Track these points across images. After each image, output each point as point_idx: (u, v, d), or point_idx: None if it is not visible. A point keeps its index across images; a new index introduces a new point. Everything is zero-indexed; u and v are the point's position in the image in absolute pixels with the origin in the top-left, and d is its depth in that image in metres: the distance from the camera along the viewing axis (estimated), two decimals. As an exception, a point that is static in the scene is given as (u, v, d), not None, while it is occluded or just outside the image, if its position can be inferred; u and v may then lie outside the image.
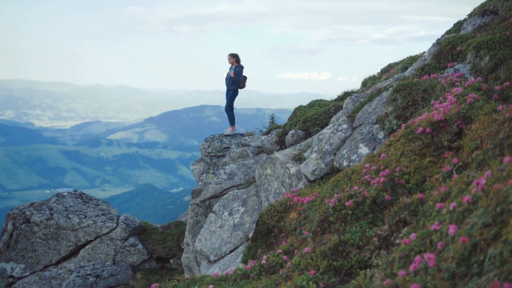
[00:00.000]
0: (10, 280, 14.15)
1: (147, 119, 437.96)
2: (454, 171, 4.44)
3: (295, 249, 5.17)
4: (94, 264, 13.52)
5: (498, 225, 2.81)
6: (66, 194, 15.27)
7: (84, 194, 15.50)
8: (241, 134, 15.35)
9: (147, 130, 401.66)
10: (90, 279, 12.87)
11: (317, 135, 8.20)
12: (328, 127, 8.15)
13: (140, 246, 13.91)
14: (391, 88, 7.29)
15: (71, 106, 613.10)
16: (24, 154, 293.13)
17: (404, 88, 6.92)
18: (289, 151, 8.81)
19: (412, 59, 10.48)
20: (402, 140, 5.33)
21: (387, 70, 11.78)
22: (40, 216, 13.88)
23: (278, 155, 8.66)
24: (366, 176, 5.20)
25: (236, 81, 14.73)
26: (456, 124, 5.08)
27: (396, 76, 8.95)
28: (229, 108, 15.41)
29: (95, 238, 13.90)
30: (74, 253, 14.15)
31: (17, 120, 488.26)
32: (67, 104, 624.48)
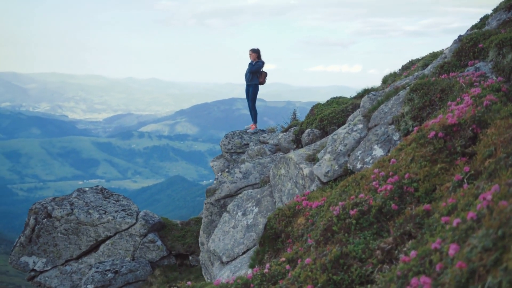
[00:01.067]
0: (32, 273, 14.30)
1: (178, 112, 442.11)
2: (465, 180, 4.14)
3: (299, 257, 4.95)
4: (113, 260, 13.54)
5: (499, 250, 2.55)
6: (87, 189, 15.33)
7: (105, 189, 15.54)
8: (262, 130, 15.12)
9: (178, 123, 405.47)
10: (109, 275, 12.90)
11: (331, 135, 7.92)
12: (343, 127, 7.88)
13: (159, 243, 13.87)
14: (408, 87, 6.98)
15: (104, 99, 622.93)
16: (58, 146, 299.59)
17: (421, 87, 6.59)
18: (303, 151, 8.56)
19: (434, 56, 10.06)
20: (413, 145, 5.04)
21: (408, 67, 11.36)
22: (61, 211, 13.97)
23: (292, 155, 8.42)
24: (374, 183, 4.93)
25: (255, 74, 14.52)
26: (470, 128, 4.77)
27: (416, 73, 8.58)
28: (253, 105, 15.22)
29: (115, 234, 13.91)
30: (94, 248, 14.21)
31: (51, 112, 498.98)
32: (99, 96, 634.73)
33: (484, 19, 9.41)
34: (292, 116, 15.35)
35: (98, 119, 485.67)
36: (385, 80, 11.22)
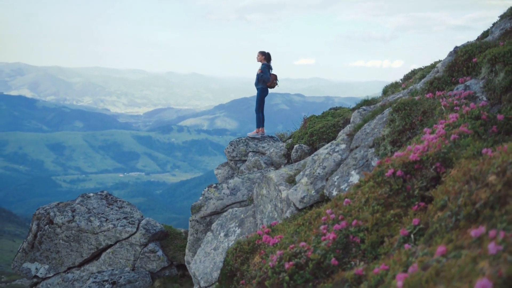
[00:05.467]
0: (35, 280, 14.14)
1: (217, 106, 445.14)
2: (411, 237, 3.48)
3: (238, 309, 4.37)
4: (113, 270, 13.20)
5: None
6: (91, 194, 15.05)
7: (110, 195, 15.22)
8: (271, 137, 14.38)
9: (217, 117, 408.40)
10: (106, 286, 12.54)
11: (312, 155, 7.24)
12: (325, 146, 7.18)
13: (160, 253, 13.44)
14: (391, 107, 6.26)
15: (145, 93, 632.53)
16: (100, 139, 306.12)
17: (403, 107, 5.87)
18: (285, 170, 7.89)
19: (434, 67, 9.17)
20: (370, 183, 4.36)
21: (410, 77, 10.46)
22: (62, 218, 13.72)
23: (273, 174, 7.77)
24: (322, 227, 4.28)
25: (262, 78, 13.88)
26: (434, 167, 4.07)
27: (410, 87, 7.77)
28: (258, 109, 14.49)
29: (115, 243, 13.57)
30: (96, 256, 13.93)
31: (94, 106, 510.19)
32: (140, 91, 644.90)
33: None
34: (302, 122, 14.41)
35: (138, 113, 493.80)
36: (386, 91, 10.35)
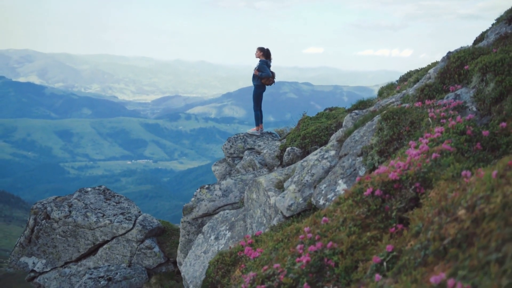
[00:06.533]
0: (32, 274, 14.15)
1: (225, 95, 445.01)
2: (384, 265, 3.35)
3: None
4: (109, 266, 13.19)
5: None
6: (89, 189, 14.99)
7: (108, 190, 15.16)
8: (270, 133, 14.22)
9: (225, 105, 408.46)
10: (102, 282, 12.54)
11: (300, 161, 7.09)
12: (315, 152, 7.02)
13: (156, 249, 13.39)
14: (380, 115, 6.10)
15: (153, 81, 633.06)
16: (108, 126, 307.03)
17: (392, 116, 5.71)
18: (274, 175, 7.75)
19: (427, 71, 8.93)
20: (349, 201, 4.22)
21: (406, 79, 10.22)
22: (59, 213, 13.70)
23: (262, 179, 7.63)
24: (299, 246, 4.16)
25: (263, 76, 13.63)
26: (413, 187, 3.92)
27: (403, 91, 7.60)
28: (256, 106, 14.32)
29: (112, 239, 13.54)
30: (93, 251, 13.91)
31: (102, 93, 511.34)
32: (148, 78, 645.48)
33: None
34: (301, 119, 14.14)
35: (146, 101, 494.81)
36: (381, 93, 10.10)
